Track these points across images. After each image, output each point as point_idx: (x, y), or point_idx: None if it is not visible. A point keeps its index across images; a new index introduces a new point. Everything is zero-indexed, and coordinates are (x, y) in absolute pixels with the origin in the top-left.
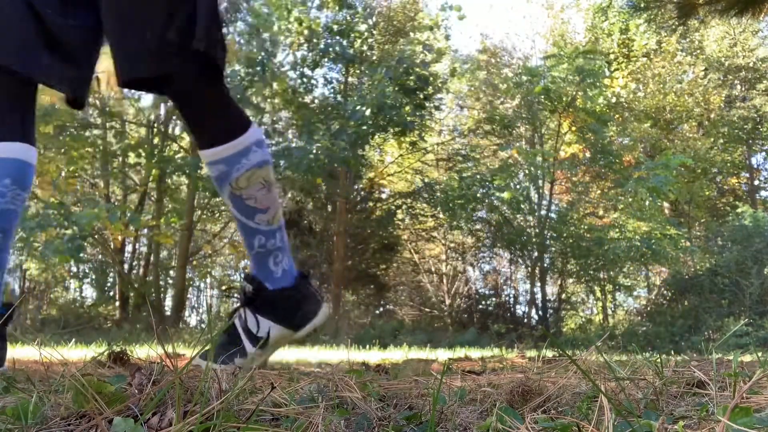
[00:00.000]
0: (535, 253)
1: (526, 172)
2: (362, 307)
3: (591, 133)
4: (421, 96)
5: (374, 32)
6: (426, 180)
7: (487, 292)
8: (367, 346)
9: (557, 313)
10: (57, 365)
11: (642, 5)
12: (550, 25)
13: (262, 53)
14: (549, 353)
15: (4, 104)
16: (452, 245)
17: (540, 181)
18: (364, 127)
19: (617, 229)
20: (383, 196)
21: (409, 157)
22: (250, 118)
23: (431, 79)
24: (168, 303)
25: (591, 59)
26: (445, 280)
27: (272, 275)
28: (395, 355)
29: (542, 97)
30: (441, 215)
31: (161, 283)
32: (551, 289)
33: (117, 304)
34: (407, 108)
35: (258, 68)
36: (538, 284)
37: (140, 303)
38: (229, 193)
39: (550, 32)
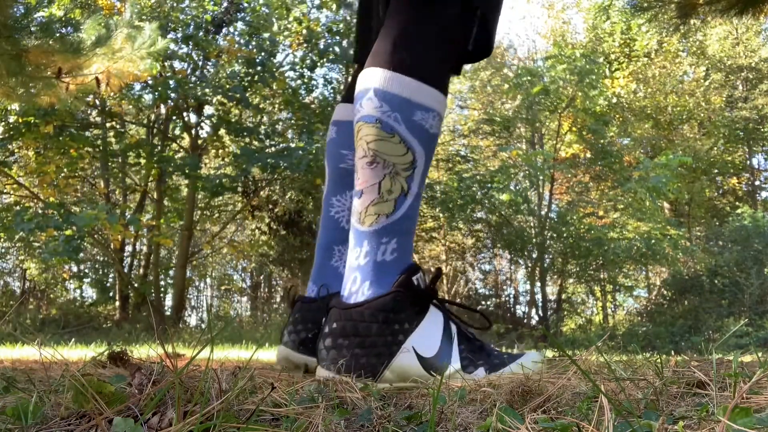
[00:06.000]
0: (535, 254)
1: (526, 172)
2: None
3: (591, 133)
4: None
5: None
6: (426, 180)
7: (487, 292)
8: None
9: (557, 313)
10: (57, 365)
11: (644, 5)
12: (550, 26)
13: (262, 53)
14: (549, 353)
15: None
16: (452, 245)
17: (540, 182)
18: None
19: (617, 230)
20: None
21: None
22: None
23: None
24: (168, 303)
25: (591, 61)
26: (445, 281)
27: (344, 299)
28: None
29: (541, 97)
30: (441, 216)
31: (161, 283)
32: (551, 289)
33: (117, 304)
34: None
35: (258, 68)
36: (538, 284)
37: (140, 303)
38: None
39: (551, 32)
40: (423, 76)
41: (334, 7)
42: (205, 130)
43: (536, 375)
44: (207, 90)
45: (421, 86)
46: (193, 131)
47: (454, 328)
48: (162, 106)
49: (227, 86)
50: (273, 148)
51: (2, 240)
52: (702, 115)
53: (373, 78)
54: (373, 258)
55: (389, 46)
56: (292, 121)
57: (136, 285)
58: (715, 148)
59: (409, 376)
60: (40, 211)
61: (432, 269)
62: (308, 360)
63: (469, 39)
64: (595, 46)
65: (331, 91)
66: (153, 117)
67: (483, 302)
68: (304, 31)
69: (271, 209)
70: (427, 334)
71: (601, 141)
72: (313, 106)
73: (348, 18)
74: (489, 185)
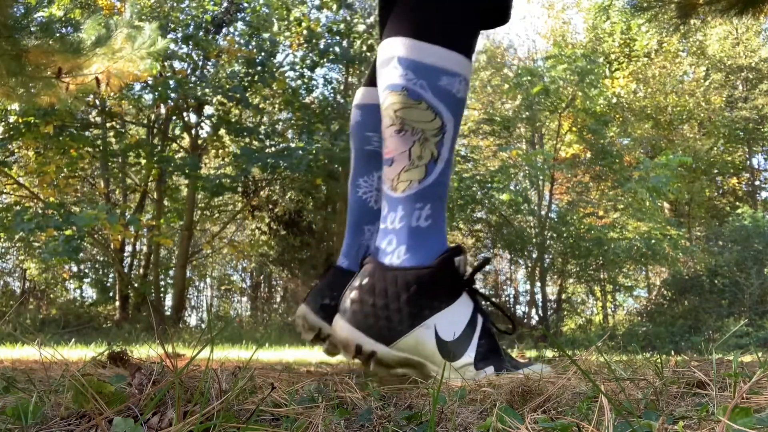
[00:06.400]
0: (535, 254)
1: (526, 172)
2: None
3: (591, 133)
4: None
5: (374, 32)
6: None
7: (487, 292)
8: None
9: (557, 313)
10: (57, 365)
11: (644, 5)
12: (550, 26)
13: (262, 53)
14: (549, 353)
15: None
16: (452, 246)
17: (540, 182)
18: None
19: (617, 230)
20: None
21: None
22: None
23: None
24: (168, 303)
25: (591, 61)
26: None
27: (379, 255)
28: None
29: (542, 97)
30: None
31: (161, 283)
32: (551, 289)
33: (117, 304)
34: None
35: (258, 68)
36: (538, 284)
37: (140, 303)
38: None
39: (551, 32)
40: (446, 41)
41: (334, 7)
42: (205, 130)
43: (536, 375)
44: (207, 90)
45: (445, 51)
46: (193, 131)
47: (480, 321)
48: (162, 106)
49: (227, 86)
50: (273, 148)
51: (2, 240)
52: (702, 115)
53: (395, 47)
54: (408, 223)
55: (409, 14)
56: (292, 121)
57: (136, 285)
58: (715, 148)
59: (422, 353)
60: (40, 211)
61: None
62: (323, 325)
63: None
64: (595, 46)
65: (331, 91)
66: (153, 117)
67: (483, 302)
68: (305, 32)
69: (271, 209)
70: (453, 319)
71: (601, 141)
72: (313, 106)
73: (348, 18)
74: (489, 185)
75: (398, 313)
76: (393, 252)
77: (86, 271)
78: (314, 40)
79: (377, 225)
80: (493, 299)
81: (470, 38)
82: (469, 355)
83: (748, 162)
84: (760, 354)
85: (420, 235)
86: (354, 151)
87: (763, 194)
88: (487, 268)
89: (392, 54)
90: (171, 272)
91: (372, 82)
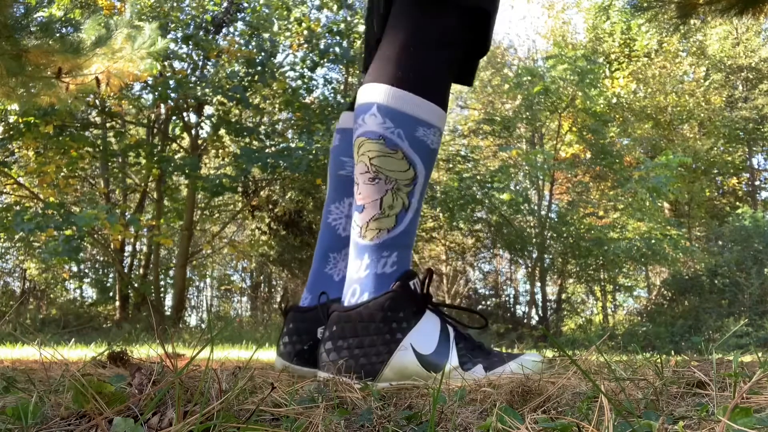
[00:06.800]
0: (535, 254)
1: (526, 172)
2: None
3: (591, 133)
4: None
5: None
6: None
7: (487, 292)
8: None
9: (557, 313)
10: (57, 365)
11: (644, 5)
12: (550, 26)
13: (262, 53)
14: (549, 353)
15: None
16: (452, 246)
17: (540, 182)
18: None
19: (617, 230)
20: None
21: None
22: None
23: None
24: (168, 303)
25: (591, 61)
26: (445, 281)
27: (344, 305)
28: None
29: (542, 97)
30: (441, 216)
31: (161, 283)
32: (551, 289)
33: (117, 304)
34: None
35: (258, 68)
36: (538, 284)
37: (140, 303)
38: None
39: (551, 32)
40: (426, 91)
41: (334, 7)
42: (205, 130)
43: (536, 375)
44: (207, 90)
45: (424, 102)
46: (193, 131)
47: (451, 330)
48: (162, 106)
49: (227, 86)
50: (273, 148)
51: (2, 240)
52: (702, 115)
53: (375, 93)
54: (373, 271)
55: (391, 61)
56: (292, 121)
57: (136, 285)
58: (715, 148)
59: (408, 374)
60: (40, 211)
61: (432, 269)
62: (306, 371)
63: (470, 47)
64: (595, 46)
65: (332, 91)
66: (153, 117)
67: (483, 302)
68: (305, 32)
69: (271, 209)
70: (425, 332)
71: (601, 141)
72: (313, 106)
73: (348, 18)
74: (489, 185)
75: (373, 346)
76: (356, 301)
77: (86, 271)
78: (314, 41)
79: (343, 252)
80: (460, 302)
81: (448, 89)
82: (453, 361)
83: (748, 162)
84: (760, 354)
85: (383, 280)
86: (329, 175)
87: (763, 194)
88: (487, 268)
89: (372, 100)
90: (171, 272)
91: (354, 106)
